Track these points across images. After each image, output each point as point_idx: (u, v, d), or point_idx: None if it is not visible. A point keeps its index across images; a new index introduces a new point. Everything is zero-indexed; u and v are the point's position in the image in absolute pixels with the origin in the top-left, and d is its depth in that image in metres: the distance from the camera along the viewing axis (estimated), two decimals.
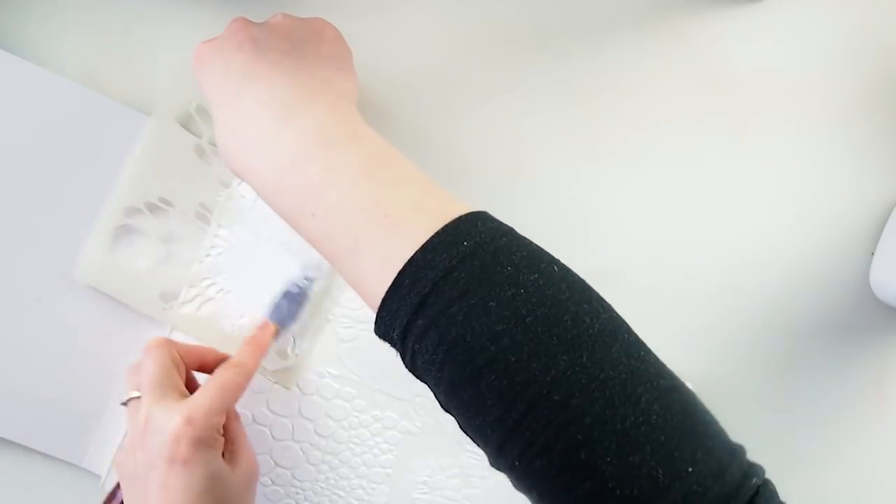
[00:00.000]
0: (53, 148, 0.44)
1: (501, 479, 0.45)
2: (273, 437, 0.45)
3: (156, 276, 0.44)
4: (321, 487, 0.45)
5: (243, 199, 0.44)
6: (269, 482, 0.45)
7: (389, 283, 0.29)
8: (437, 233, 0.29)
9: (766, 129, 0.46)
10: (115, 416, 0.45)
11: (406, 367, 0.31)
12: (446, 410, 0.31)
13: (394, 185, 0.32)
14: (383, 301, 0.30)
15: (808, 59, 0.46)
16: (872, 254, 0.46)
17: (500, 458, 0.28)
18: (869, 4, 0.45)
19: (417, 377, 0.31)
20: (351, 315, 0.45)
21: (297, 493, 0.45)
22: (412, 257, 0.29)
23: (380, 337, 0.31)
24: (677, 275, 0.46)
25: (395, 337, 0.30)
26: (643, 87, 0.46)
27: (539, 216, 0.46)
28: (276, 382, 0.45)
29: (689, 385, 0.45)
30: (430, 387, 0.31)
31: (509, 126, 0.46)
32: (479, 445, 0.30)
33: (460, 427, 0.30)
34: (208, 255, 0.44)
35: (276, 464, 0.45)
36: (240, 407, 0.45)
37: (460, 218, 0.30)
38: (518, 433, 0.27)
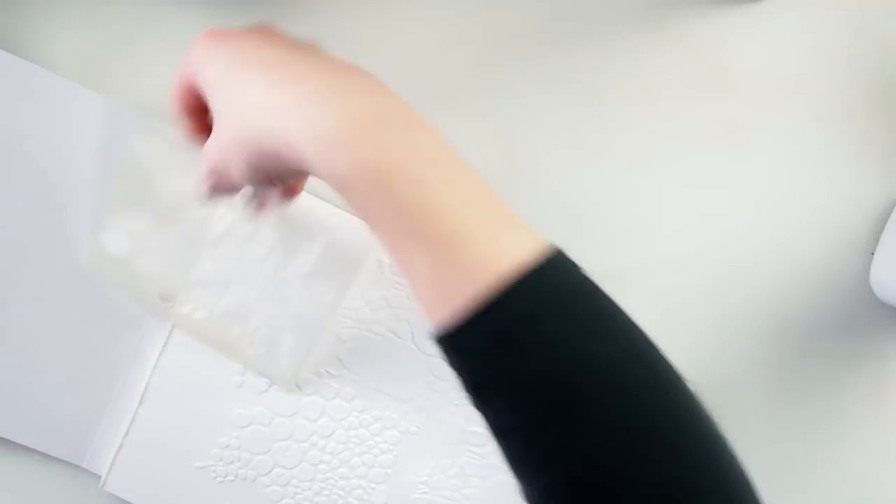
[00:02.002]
0: (53, 147, 0.44)
1: (501, 480, 0.45)
2: (273, 437, 0.45)
3: (155, 277, 0.44)
4: (321, 487, 0.45)
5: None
6: (269, 482, 0.45)
7: (469, 305, 0.27)
8: (529, 266, 0.27)
9: (766, 129, 0.46)
10: (115, 416, 0.45)
11: (466, 390, 0.28)
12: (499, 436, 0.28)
13: (474, 196, 0.30)
14: (461, 323, 0.27)
15: (808, 59, 0.46)
16: (872, 254, 0.46)
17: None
18: (869, 4, 0.45)
19: (479, 399, 0.28)
20: (351, 315, 0.45)
21: (297, 493, 0.45)
22: (500, 288, 0.27)
23: (440, 346, 0.28)
24: (677, 274, 0.46)
25: (466, 350, 0.27)
26: (643, 87, 0.46)
27: (539, 216, 0.46)
28: (273, 384, 0.45)
29: (690, 385, 0.45)
30: (492, 411, 0.28)
31: (509, 126, 0.46)
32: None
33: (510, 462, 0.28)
34: (208, 258, 0.44)
35: (275, 463, 0.45)
36: (240, 407, 0.45)
37: (547, 257, 0.28)
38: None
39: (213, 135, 0.32)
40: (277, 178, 0.33)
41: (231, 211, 0.44)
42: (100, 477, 0.45)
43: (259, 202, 0.36)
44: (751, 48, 0.45)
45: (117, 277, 0.44)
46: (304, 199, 0.43)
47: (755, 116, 0.46)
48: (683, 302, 0.46)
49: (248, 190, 0.35)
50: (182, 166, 0.44)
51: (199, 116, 0.35)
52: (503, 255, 0.28)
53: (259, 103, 0.30)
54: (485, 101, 0.46)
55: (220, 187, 0.33)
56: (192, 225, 0.44)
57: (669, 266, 0.46)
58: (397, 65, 0.45)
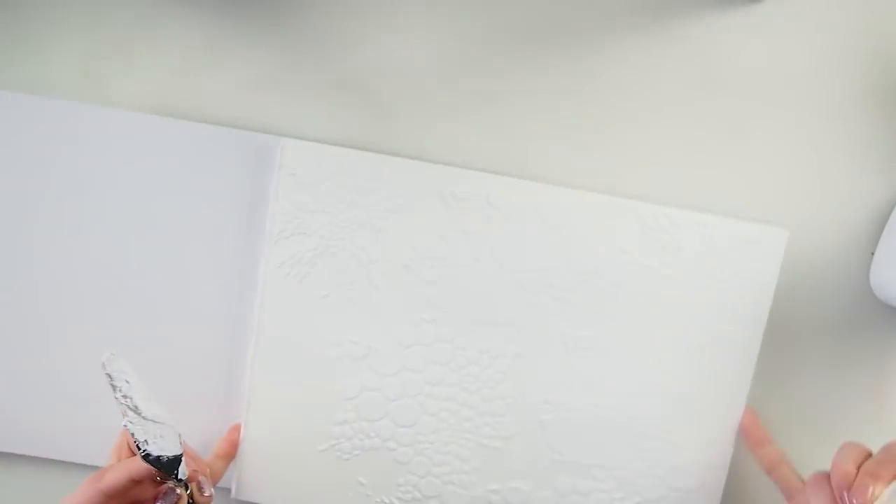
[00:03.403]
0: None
1: (625, 377, 0.43)
2: (386, 398, 0.44)
3: None
4: (448, 436, 0.44)
5: None
6: (395, 445, 0.44)
7: None
8: None
9: (766, 129, 0.46)
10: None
11: None
12: None
13: None
14: None
15: (808, 58, 0.45)
16: (872, 254, 0.46)
17: None
18: (868, 4, 0.45)
19: None
20: (429, 255, 0.44)
21: (426, 448, 0.44)
22: None
23: None
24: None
25: None
26: (643, 87, 0.46)
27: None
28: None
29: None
30: None
31: (509, 125, 0.46)
32: None
33: None
34: None
35: (396, 425, 0.44)
36: (345, 378, 0.44)
37: None
38: None
39: None
40: None
41: None
42: (229, 490, 0.46)
43: None
44: (751, 48, 0.45)
45: None
46: None
47: (755, 116, 0.46)
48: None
49: None
50: None
51: None
52: None
53: None
54: (484, 101, 0.46)
55: None
56: None
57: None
58: (399, 66, 0.45)
